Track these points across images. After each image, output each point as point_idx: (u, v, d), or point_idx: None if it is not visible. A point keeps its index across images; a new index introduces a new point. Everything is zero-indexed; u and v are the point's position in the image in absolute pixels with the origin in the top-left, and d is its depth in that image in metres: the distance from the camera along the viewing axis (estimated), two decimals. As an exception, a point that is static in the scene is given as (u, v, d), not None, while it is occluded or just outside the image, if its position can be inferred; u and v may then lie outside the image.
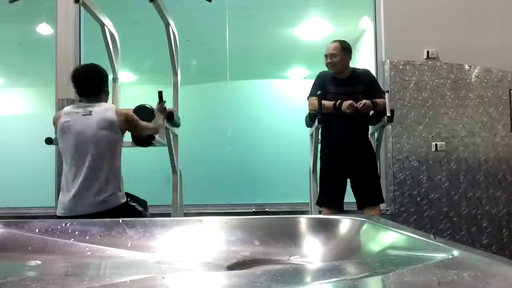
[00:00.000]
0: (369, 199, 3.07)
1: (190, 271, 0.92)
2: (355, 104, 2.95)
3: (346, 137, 3.06)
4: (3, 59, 6.27)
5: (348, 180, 3.11)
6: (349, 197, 3.21)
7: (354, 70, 3.17)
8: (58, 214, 2.32)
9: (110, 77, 3.25)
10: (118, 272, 0.96)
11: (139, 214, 2.52)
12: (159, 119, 2.73)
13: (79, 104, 2.53)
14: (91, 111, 2.39)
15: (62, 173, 2.47)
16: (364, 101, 2.96)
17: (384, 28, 3.89)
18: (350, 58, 3.16)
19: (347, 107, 2.94)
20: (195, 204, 3.80)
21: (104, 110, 2.42)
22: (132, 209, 2.48)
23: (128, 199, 2.48)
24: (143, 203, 2.63)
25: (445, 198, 3.75)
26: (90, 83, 2.47)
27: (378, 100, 3.02)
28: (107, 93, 2.58)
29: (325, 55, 3.14)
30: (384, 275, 0.61)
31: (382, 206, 3.69)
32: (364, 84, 3.11)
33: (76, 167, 2.34)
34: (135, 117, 2.54)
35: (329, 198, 3.07)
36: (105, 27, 2.96)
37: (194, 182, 3.72)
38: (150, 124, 2.64)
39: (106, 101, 2.54)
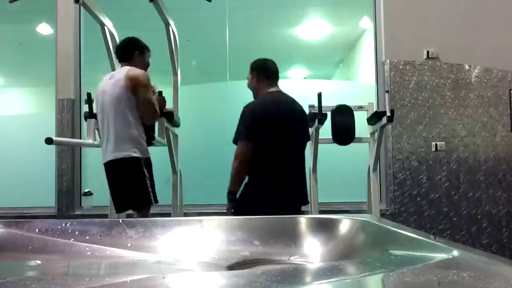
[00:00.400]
0: None
1: (190, 271, 0.92)
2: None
3: None
4: (3, 59, 6.28)
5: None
6: (349, 197, 3.20)
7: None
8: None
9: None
10: (118, 272, 0.96)
11: (144, 186, 2.66)
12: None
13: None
14: (113, 75, 2.74)
15: None
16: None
17: (384, 28, 3.90)
18: (257, 78, 2.87)
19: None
20: (195, 204, 3.80)
21: (121, 72, 2.71)
22: (140, 173, 2.64)
23: (147, 174, 2.66)
24: (153, 196, 2.72)
25: (445, 198, 3.75)
26: (118, 52, 2.89)
27: None
28: (137, 61, 2.82)
29: None
30: (384, 275, 0.61)
31: (382, 206, 3.70)
32: None
33: (101, 123, 2.72)
34: (145, 82, 2.67)
35: None
36: (105, 27, 2.96)
37: (194, 182, 3.73)
38: (155, 102, 2.72)
39: (136, 66, 2.76)
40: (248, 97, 4.49)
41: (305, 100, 3.28)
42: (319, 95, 3.01)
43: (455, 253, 0.67)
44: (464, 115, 3.82)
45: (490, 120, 3.82)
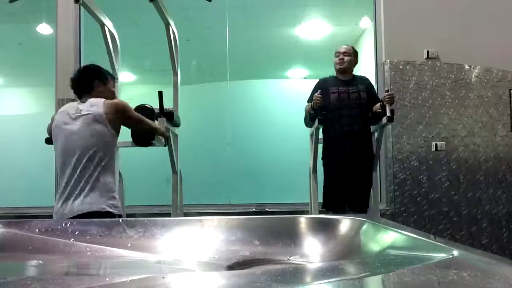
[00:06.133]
0: (357, 206, 3.08)
1: (190, 271, 0.92)
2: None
3: (348, 140, 3.07)
4: (3, 59, 6.27)
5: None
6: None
7: (355, 75, 3.32)
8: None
9: (110, 77, 3.24)
10: (118, 272, 0.96)
11: None
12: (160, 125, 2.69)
13: (72, 104, 2.44)
14: (81, 110, 2.28)
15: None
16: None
17: (384, 28, 3.90)
18: (356, 63, 3.30)
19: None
20: (195, 204, 3.80)
21: (90, 106, 2.27)
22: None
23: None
24: None
25: (445, 198, 3.75)
26: (79, 82, 2.42)
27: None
28: (103, 91, 2.40)
29: (336, 52, 3.23)
30: (384, 275, 0.61)
31: (382, 206, 3.70)
32: (365, 86, 3.23)
33: (64, 169, 2.25)
34: (128, 107, 2.37)
35: (338, 204, 3.07)
36: (105, 27, 2.96)
37: (194, 182, 3.72)
38: (149, 121, 2.50)
39: (102, 97, 2.35)
40: (249, 96, 4.51)
41: (305, 100, 3.28)
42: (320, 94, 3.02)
43: (455, 253, 0.67)
44: (464, 115, 3.81)
45: (490, 120, 3.82)
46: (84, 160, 2.20)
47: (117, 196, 2.30)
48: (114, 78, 2.61)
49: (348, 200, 3.09)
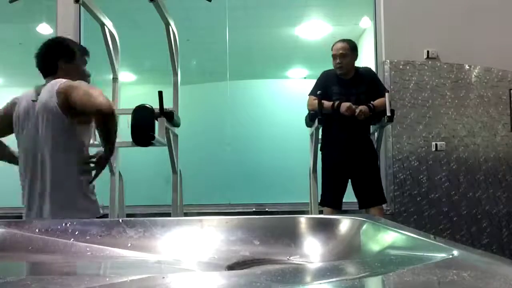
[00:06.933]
0: (371, 200, 3.09)
1: (190, 271, 0.92)
2: (353, 107, 2.97)
3: (347, 137, 3.08)
4: (3, 59, 6.27)
5: (349, 180, 3.14)
6: (350, 197, 3.22)
7: (357, 70, 3.21)
8: None
9: (110, 76, 3.25)
10: (118, 272, 0.96)
11: None
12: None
13: (32, 90, 2.06)
14: (39, 96, 1.96)
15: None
16: (360, 107, 2.97)
17: (384, 28, 3.90)
18: (356, 57, 3.20)
19: (345, 110, 2.97)
20: (195, 204, 3.80)
21: (47, 92, 1.92)
22: None
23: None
24: None
25: (445, 198, 3.75)
26: (41, 61, 2.06)
27: (377, 102, 3.05)
28: (69, 69, 2.04)
29: (333, 56, 3.13)
30: (384, 275, 0.61)
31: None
32: (366, 84, 3.15)
33: (26, 171, 2.01)
34: (83, 87, 1.92)
35: (332, 199, 3.09)
36: (105, 27, 2.96)
37: (194, 182, 3.73)
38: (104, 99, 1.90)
39: (68, 78, 1.97)
40: (249, 96, 4.51)
41: (305, 99, 3.28)
42: (319, 96, 3.01)
43: (455, 253, 0.67)
44: (464, 115, 3.82)
45: (490, 120, 3.82)
46: (46, 162, 1.95)
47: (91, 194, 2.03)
48: (86, 52, 2.19)
49: (358, 198, 3.14)
